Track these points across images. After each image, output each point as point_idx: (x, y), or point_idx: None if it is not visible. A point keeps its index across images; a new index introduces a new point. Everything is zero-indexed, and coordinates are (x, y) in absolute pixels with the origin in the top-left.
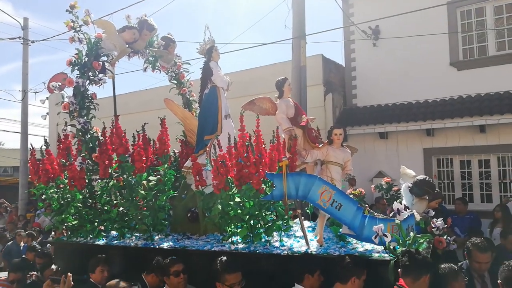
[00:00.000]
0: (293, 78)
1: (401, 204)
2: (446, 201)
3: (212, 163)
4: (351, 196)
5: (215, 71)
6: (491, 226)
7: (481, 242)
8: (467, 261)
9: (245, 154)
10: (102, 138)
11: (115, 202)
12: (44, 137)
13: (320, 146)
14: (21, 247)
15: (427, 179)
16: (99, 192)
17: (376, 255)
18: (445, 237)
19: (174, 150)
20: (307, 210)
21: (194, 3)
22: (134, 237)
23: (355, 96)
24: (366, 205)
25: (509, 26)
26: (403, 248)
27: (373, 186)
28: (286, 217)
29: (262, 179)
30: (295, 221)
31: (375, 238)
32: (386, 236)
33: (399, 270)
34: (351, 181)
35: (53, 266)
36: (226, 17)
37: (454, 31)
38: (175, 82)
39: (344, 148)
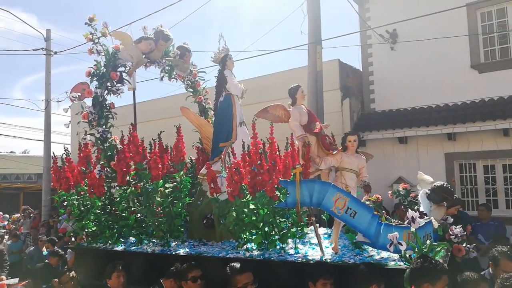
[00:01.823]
0: (309, 84)
1: (419, 211)
2: (469, 207)
3: (227, 170)
4: (368, 202)
5: (229, 79)
6: None
7: (510, 250)
8: (490, 269)
9: (259, 162)
10: (120, 146)
11: (133, 208)
12: (64, 145)
13: (334, 153)
14: (43, 253)
15: (444, 185)
16: (117, 199)
17: (392, 263)
18: (464, 244)
19: (190, 157)
20: (323, 217)
21: (210, 11)
22: (151, 243)
23: (373, 100)
24: (383, 211)
25: None
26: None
27: (390, 192)
28: (301, 224)
29: (276, 186)
30: (310, 228)
31: (390, 246)
32: (401, 245)
33: None
34: (366, 188)
35: (72, 273)
36: (241, 25)
37: (474, 33)
38: (191, 90)
39: (359, 155)
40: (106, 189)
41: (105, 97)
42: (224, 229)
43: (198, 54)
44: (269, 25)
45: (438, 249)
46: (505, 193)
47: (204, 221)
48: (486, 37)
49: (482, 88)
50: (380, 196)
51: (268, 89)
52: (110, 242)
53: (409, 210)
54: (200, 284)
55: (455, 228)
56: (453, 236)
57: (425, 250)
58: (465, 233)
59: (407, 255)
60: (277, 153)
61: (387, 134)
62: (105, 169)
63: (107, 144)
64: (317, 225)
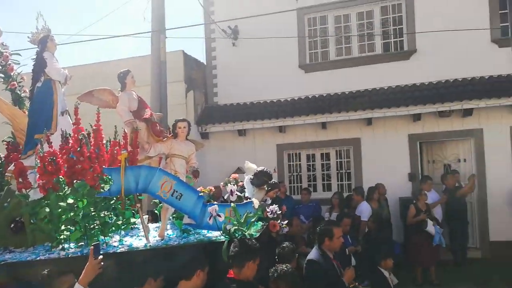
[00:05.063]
0: (153, 74)
1: (244, 196)
2: (295, 192)
3: (39, 160)
4: (201, 194)
5: (49, 62)
6: (329, 211)
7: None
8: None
9: (78, 148)
10: None
11: None
12: None
13: (164, 139)
14: None
15: (265, 169)
16: None
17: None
18: (279, 221)
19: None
20: (156, 211)
21: None
22: None
23: (216, 94)
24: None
25: (346, 34)
26: (236, 227)
27: (222, 183)
28: (125, 212)
29: (98, 174)
30: (137, 220)
31: (210, 219)
32: (220, 216)
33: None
34: (195, 173)
35: None
36: (84, 6)
37: (302, 35)
38: (2, 75)
39: (189, 142)
40: None
41: None
42: (36, 231)
43: (16, 34)
44: (111, 7)
45: (253, 219)
46: (322, 178)
47: (12, 225)
48: (311, 40)
49: (307, 86)
50: (213, 188)
51: (109, 77)
52: None
53: (229, 184)
54: None
55: (271, 206)
56: (269, 213)
57: (242, 221)
58: (281, 212)
59: (227, 229)
60: (103, 141)
61: (228, 126)
62: None
63: None
64: (147, 217)
